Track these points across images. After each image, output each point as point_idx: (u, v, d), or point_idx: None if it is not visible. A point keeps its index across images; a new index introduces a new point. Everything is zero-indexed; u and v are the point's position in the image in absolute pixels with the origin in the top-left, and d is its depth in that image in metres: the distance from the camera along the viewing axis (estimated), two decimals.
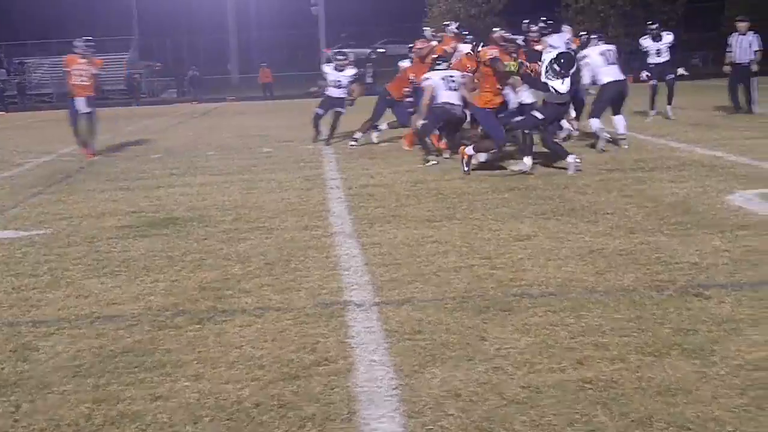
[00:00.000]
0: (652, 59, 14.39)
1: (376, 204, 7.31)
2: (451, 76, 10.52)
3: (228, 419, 2.98)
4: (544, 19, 11.78)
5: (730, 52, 14.22)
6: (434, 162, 9.92)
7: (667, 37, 14.51)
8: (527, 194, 7.38)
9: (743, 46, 14.09)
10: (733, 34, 14.29)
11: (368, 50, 53.33)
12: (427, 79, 10.70)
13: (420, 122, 10.72)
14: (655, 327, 3.66)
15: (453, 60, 11.05)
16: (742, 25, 14.30)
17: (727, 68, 14.41)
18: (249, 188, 8.59)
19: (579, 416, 2.81)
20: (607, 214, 6.25)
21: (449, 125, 10.67)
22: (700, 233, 5.43)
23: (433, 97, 10.28)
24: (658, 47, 14.40)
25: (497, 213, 6.57)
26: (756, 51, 14.07)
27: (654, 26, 14.70)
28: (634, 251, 5.06)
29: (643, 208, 6.37)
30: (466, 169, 8.71)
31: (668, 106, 14.29)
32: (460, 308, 4.11)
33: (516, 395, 3.02)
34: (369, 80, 37.70)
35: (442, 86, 10.53)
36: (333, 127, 12.83)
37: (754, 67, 14.22)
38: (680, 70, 14.83)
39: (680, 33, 37.84)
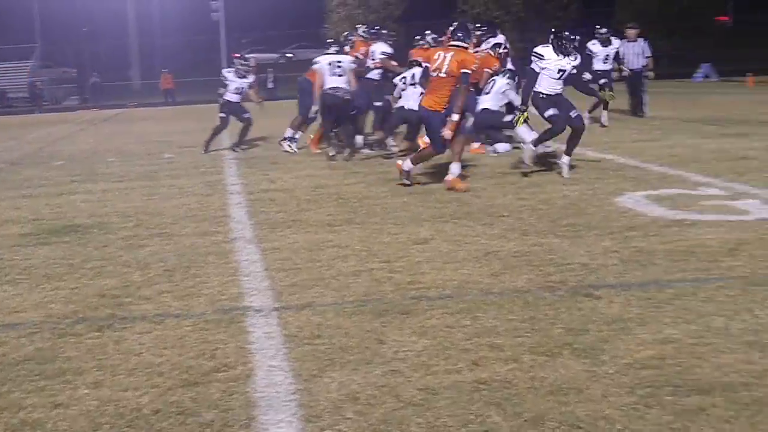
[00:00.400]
0: (599, 65, 13.71)
1: (277, 209, 7.26)
2: (339, 62, 10.71)
3: (127, 426, 2.95)
4: (479, 25, 11.79)
5: (622, 58, 14.63)
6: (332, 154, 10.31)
7: (616, 42, 14.19)
8: (426, 198, 7.47)
9: (635, 52, 14.60)
10: (623, 41, 14.72)
11: (276, 55, 53.05)
12: (317, 63, 10.85)
13: (313, 109, 10.80)
14: (548, 327, 3.76)
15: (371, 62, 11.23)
16: (631, 33, 14.82)
17: (624, 73, 14.68)
18: (150, 194, 8.47)
19: (474, 417, 2.86)
20: (503, 216, 6.40)
21: (337, 113, 10.74)
22: (591, 235, 5.62)
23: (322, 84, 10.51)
24: (606, 53, 13.98)
25: (396, 217, 6.63)
26: (647, 57, 14.61)
27: (603, 31, 14.17)
28: (528, 253, 5.19)
29: (537, 211, 6.55)
30: (407, 182, 8.05)
31: (604, 111, 13.64)
32: (359, 312, 4.12)
33: (413, 397, 3.04)
34: (270, 85, 37.50)
35: (327, 71, 10.65)
36: (242, 135, 12.62)
37: (650, 75, 14.74)
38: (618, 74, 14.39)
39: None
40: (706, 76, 31.57)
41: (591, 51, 13.95)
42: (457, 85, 7.62)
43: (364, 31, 12.25)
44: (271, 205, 7.51)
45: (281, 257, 5.39)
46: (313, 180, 9.03)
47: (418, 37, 13.17)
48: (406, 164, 8.01)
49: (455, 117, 7.55)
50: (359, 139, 11.10)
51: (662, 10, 40.80)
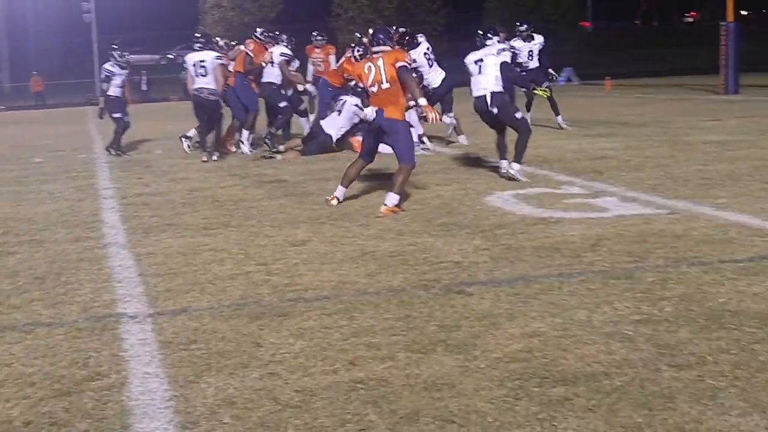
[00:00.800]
0: (523, 61, 12.99)
1: (151, 213, 7.10)
2: (202, 61, 10.56)
3: None
4: (403, 30, 11.62)
5: None
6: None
7: (538, 38, 13.46)
8: (303, 200, 7.48)
9: None
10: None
11: (157, 56, 51.64)
12: (185, 62, 10.90)
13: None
14: (423, 325, 3.85)
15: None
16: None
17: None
18: (19, 200, 8.16)
19: (351, 416, 2.90)
20: (378, 217, 6.49)
21: (205, 114, 10.68)
22: (463, 233, 5.78)
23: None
24: (529, 48, 13.26)
25: (273, 219, 6.61)
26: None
27: (523, 27, 13.49)
28: (403, 252, 5.29)
29: (411, 211, 6.68)
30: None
31: (558, 117, 13.18)
32: (236, 316, 4.09)
33: (290, 399, 3.06)
34: (144, 87, 36.46)
35: (193, 72, 10.64)
36: (117, 136, 12.18)
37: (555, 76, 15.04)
38: (551, 72, 13.75)
39: (443, 42, 40.12)
40: (569, 80, 32.95)
41: (515, 48, 13.12)
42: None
43: (261, 34, 12.16)
44: (145, 209, 7.33)
45: (156, 262, 5.28)
46: (188, 183, 8.87)
47: (315, 33, 13.29)
48: (391, 199, 6.70)
49: (422, 102, 7.02)
50: (245, 134, 11.07)
51: (528, 16, 42.32)
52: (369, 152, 7.19)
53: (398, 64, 6.90)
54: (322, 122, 11.10)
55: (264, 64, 11.37)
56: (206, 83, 10.50)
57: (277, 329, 3.86)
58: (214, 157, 10.74)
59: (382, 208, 6.60)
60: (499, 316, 3.94)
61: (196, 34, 11.58)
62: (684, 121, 13.80)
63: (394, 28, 10.04)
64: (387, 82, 6.86)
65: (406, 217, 6.45)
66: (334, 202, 7.07)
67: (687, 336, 3.54)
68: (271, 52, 11.51)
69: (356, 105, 10.59)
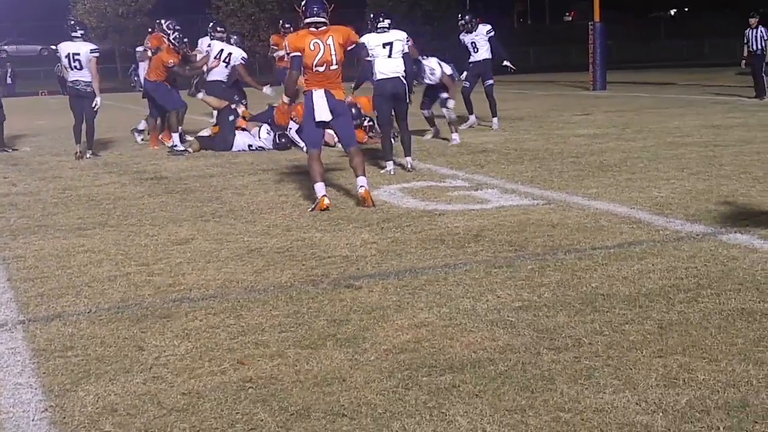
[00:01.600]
0: (471, 56, 12.44)
1: (20, 214, 6.76)
2: (76, 53, 10.16)
3: None
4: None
5: None
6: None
7: (483, 28, 12.41)
8: (185, 197, 7.30)
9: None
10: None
11: (39, 47, 49.14)
12: (57, 51, 10.57)
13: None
14: (312, 320, 3.84)
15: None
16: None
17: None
18: None
19: (240, 416, 2.85)
20: (264, 213, 6.42)
21: (81, 107, 10.39)
22: (351, 227, 5.80)
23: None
24: (473, 39, 12.35)
25: (154, 217, 6.42)
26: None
27: (464, 21, 12.57)
28: (290, 248, 5.25)
29: (298, 206, 6.64)
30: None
31: (494, 119, 12.44)
32: (115, 319, 3.95)
33: (176, 403, 2.97)
34: (9, 81, 34.70)
35: (66, 64, 10.37)
36: None
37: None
38: (507, 63, 12.75)
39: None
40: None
41: (462, 42, 12.71)
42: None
43: (167, 26, 11.28)
44: (12, 210, 6.97)
45: (26, 266, 5.03)
46: (60, 182, 8.50)
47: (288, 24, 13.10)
48: (365, 181, 6.63)
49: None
50: (175, 137, 10.65)
51: (408, 13, 42.88)
52: (318, 142, 6.82)
53: (351, 46, 6.67)
54: (239, 134, 10.75)
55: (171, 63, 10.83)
56: (81, 76, 10.14)
57: (161, 331, 3.75)
58: (88, 155, 10.36)
59: (363, 191, 6.49)
60: (387, 308, 3.97)
61: (71, 22, 10.89)
62: (557, 116, 14.33)
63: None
64: (336, 64, 6.55)
65: (294, 212, 6.40)
66: (326, 201, 6.46)
67: (564, 320, 3.67)
68: (222, 50, 11.29)
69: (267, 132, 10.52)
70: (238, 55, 11.37)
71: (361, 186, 6.56)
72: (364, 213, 6.26)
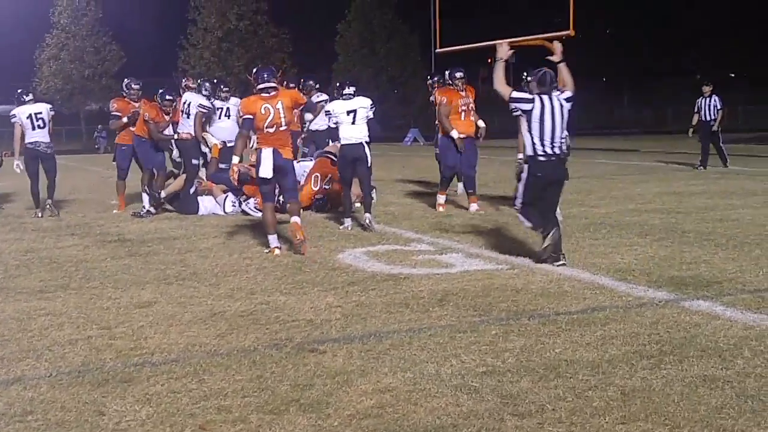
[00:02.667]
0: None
1: None
2: (38, 113, 10.46)
3: None
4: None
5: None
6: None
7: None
8: (149, 260, 7.26)
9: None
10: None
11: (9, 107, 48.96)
12: (14, 116, 10.51)
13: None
14: (275, 385, 3.82)
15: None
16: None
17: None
18: None
19: None
20: (229, 276, 6.40)
21: (43, 167, 10.51)
22: (315, 291, 5.80)
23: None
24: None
25: (117, 280, 6.37)
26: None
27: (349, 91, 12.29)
28: (254, 312, 5.23)
29: (263, 270, 6.64)
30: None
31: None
32: (76, 383, 3.89)
33: None
34: None
35: (28, 125, 10.46)
36: None
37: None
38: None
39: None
40: (415, 140, 34.08)
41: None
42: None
43: (126, 85, 11.28)
44: None
45: None
46: (21, 244, 8.41)
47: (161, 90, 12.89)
48: (296, 218, 7.28)
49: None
50: (145, 199, 10.48)
51: (375, 77, 43.69)
52: (270, 195, 7.52)
53: (297, 108, 7.38)
54: (200, 198, 10.69)
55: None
56: (43, 136, 10.46)
57: (122, 396, 3.70)
58: (48, 203, 10.42)
59: (294, 223, 7.24)
60: (351, 372, 3.96)
61: (19, 90, 11.00)
62: None
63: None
64: (285, 126, 7.37)
65: (258, 276, 6.40)
66: (277, 251, 7.26)
67: (528, 386, 3.70)
68: (186, 101, 10.88)
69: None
70: (196, 102, 10.80)
71: (293, 221, 7.28)
72: (329, 276, 6.28)
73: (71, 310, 5.39)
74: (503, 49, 7.00)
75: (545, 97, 6.56)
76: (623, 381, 3.73)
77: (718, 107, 16.55)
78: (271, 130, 7.25)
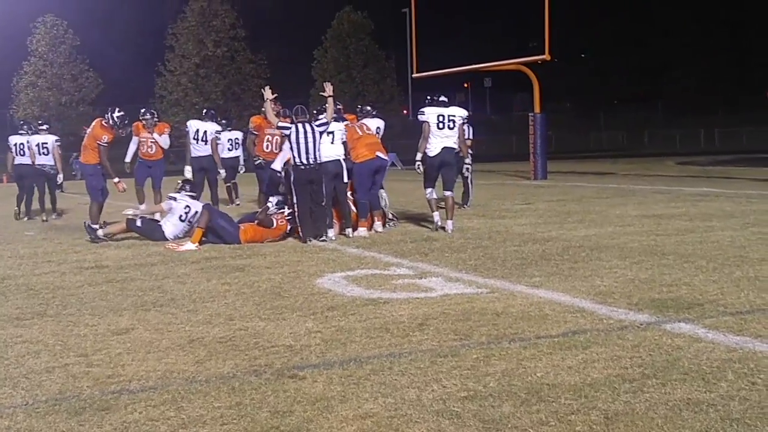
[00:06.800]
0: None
1: None
2: (44, 143, 13.92)
3: None
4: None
5: None
6: None
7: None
8: (126, 286, 7.19)
9: None
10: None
11: None
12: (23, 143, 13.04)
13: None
14: (254, 412, 3.77)
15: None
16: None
17: None
18: None
19: None
20: (207, 302, 6.35)
21: (43, 184, 13.93)
22: (294, 316, 5.76)
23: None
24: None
25: (94, 307, 6.29)
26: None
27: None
28: (233, 337, 5.18)
29: (241, 295, 6.59)
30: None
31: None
32: (53, 411, 3.83)
33: None
34: None
35: (36, 151, 13.98)
36: None
37: None
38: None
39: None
40: (393, 165, 34.19)
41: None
42: None
43: (117, 117, 11.23)
44: None
45: None
46: None
47: (144, 110, 13.22)
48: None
49: None
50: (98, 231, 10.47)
51: (352, 103, 43.82)
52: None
53: None
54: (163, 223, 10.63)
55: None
56: (47, 160, 14.06)
57: (99, 424, 3.64)
58: (54, 216, 12.88)
59: None
60: (332, 398, 3.93)
61: (39, 122, 15.35)
62: (499, 205, 14.62)
63: None
64: None
65: (237, 301, 6.35)
66: None
67: (510, 410, 3.68)
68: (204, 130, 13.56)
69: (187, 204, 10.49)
70: (210, 129, 13.50)
71: None
72: (309, 302, 6.24)
73: (48, 338, 5.31)
74: (268, 92, 10.14)
75: (300, 125, 9.63)
76: (606, 405, 3.72)
77: None
78: None
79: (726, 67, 67.45)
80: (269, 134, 11.70)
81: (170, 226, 10.36)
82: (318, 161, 9.65)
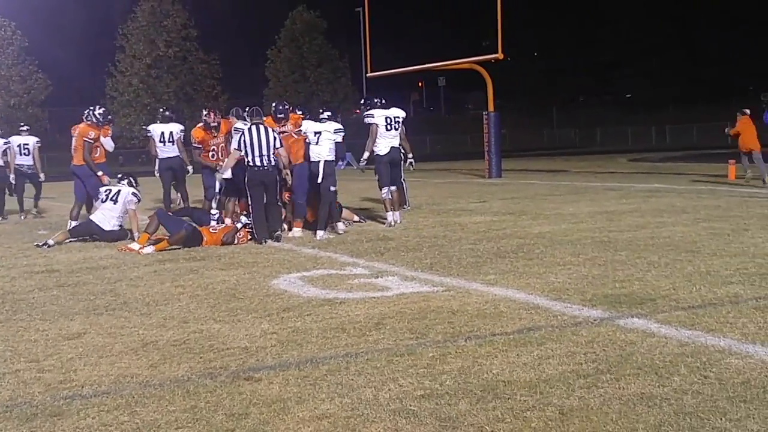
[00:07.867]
0: None
1: None
2: (26, 144, 14.78)
3: None
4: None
5: None
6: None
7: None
8: (77, 290, 7.06)
9: None
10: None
11: None
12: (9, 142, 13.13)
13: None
14: (210, 415, 3.73)
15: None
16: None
17: None
18: None
19: None
20: (161, 305, 6.27)
21: (23, 183, 14.27)
22: (250, 318, 5.72)
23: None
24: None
25: (45, 312, 6.17)
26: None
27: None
28: (187, 340, 5.13)
29: (196, 297, 6.52)
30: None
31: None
32: (3, 418, 3.74)
33: None
34: None
35: (17, 151, 14.47)
36: None
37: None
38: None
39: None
40: (348, 164, 34.13)
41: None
42: None
43: (99, 114, 11.90)
44: None
45: None
46: None
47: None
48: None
49: None
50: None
51: (306, 103, 43.70)
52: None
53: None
54: (92, 217, 10.56)
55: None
56: (28, 161, 14.85)
57: (51, 430, 3.57)
58: (34, 211, 12.59)
59: None
60: (288, 400, 3.91)
61: (21, 124, 16.13)
62: (454, 203, 14.70)
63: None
64: None
65: (191, 304, 6.28)
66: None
67: (466, 408, 3.70)
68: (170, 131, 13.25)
69: (133, 194, 10.36)
70: (175, 129, 13.30)
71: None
72: (264, 303, 6.20)
73: None
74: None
75: (254, 127, 9.81)
76: (561, 401, 3.76)
77: None
78: None
79: (676, 64, 68.74)
80: (214, 145, 11.66)
81: (99, 214, 10.41)
82: (272, 163, 9.78)
